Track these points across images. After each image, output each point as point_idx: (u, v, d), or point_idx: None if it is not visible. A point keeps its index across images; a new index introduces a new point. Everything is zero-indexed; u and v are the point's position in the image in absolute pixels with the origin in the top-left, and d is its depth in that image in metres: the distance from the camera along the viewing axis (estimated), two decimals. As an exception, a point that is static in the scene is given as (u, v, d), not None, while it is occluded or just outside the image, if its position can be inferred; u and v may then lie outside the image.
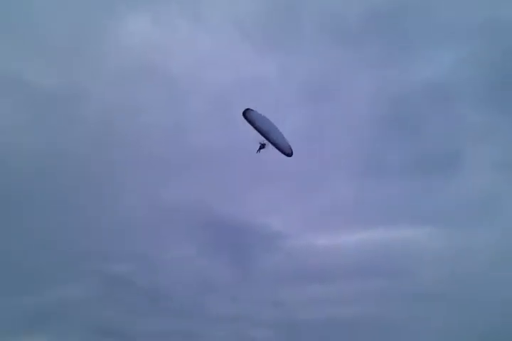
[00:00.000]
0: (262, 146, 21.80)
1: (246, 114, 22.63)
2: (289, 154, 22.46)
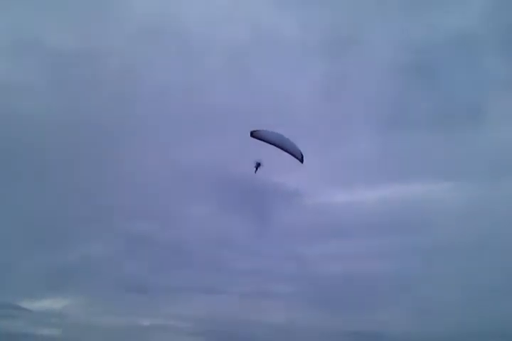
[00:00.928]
0: (258, 165, 21.84)
1: (254, 134, 22.35)
2: (301, 160, 22.67)
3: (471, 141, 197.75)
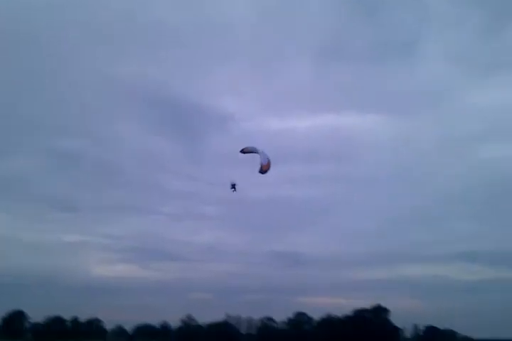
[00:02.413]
0: (233, 186, 24.32)
1: (243, 150, 29.13)
2: (262, 172, 24.98)
3: (404, 75, 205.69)
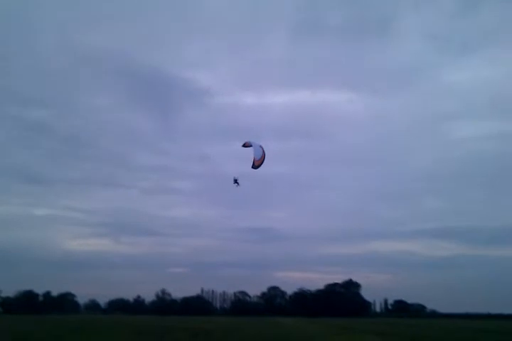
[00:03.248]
0: (236, 181, 24.77)
1: (244, 145, 27.78)
2: (254, 167, 24.45)
3: (380, 52, 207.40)
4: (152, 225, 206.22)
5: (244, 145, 26.19)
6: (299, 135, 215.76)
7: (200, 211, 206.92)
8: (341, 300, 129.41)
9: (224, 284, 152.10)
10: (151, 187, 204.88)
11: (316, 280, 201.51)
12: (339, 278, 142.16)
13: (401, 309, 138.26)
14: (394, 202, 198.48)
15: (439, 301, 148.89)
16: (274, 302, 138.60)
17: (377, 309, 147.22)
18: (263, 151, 24.97)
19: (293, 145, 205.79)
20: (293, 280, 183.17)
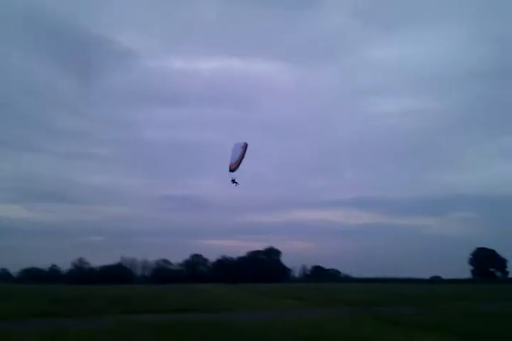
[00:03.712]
0: (234, 181, 24.19)
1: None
2: (230, 170, 23.11)
3: (308, 24, 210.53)
4: (69, 192, 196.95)
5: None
6: (228, 103, 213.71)
7: (121, 178, 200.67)
8: (263, 266, 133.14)
9: (145, 252, 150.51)
10: (68, 151, 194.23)
11: (238, 247, 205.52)
12: (261, 246, 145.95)
13: (318, 274, 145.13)
14: (316, 172, 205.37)
15: (353, 266, 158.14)
16: (196, 269, 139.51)
17: (296, 275, 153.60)
18: (242, 152, 23.58)
19: (223, 114, 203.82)
20: (216, 248, 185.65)
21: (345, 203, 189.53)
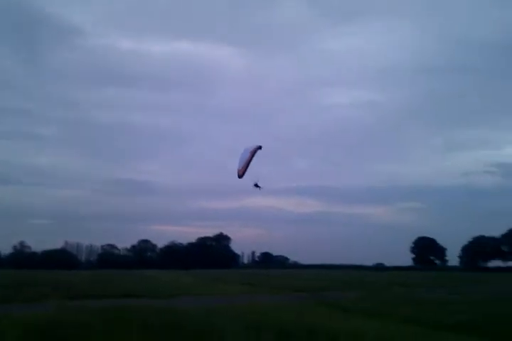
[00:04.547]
0: (256, 185, 23.51)
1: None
2: (239, 176, 22.13)
3: (265, 11, 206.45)
4: (10, 172, 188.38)
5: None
6: (179, 87, 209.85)
7: (67, 159, 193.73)
8: (212, 252, 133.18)
9: (91, 237, 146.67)
10: (10, 131, 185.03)
11: (188, 233, 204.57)
12: (211, 232, 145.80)
13: (266, 261, 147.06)
14: (266, 160, 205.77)
15: (301, 253, 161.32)
16: (144, 255, 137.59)
17: (245, 261, 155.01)
18: (250, 157, 22.65)
19: (172, 98, 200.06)
20: (165, 233, 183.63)
21: (295, 191, 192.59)
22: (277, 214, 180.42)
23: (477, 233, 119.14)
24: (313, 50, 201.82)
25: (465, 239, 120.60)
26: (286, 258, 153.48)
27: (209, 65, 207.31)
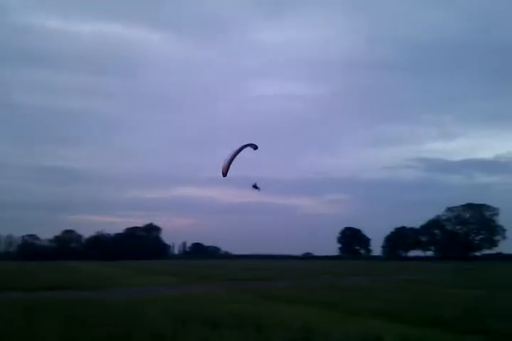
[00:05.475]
0: (255, 186, 23.07)
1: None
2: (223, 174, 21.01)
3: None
4: None
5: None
6: (109, 71, 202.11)
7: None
8: (141, 243, 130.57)
9: (10, 227, 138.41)
10: None
11: (116, 223, 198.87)
12: (141, 222, 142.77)
13: (198, 251, 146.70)
14: (198, 149, 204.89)
15: (233, 243, 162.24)
16: (68, 246, 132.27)
17: (176, 251, 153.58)
18: (233, 154, 21.62)
19: (103, 82, 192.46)
20: (92, 224, 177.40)
21: (227, 181, 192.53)
22: (209, 204, 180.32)
23: (399, 224, 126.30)
24: (246, 40, 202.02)
25: (388, 229, 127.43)
26: (218, 249, 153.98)
27: (140, 49, 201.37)
